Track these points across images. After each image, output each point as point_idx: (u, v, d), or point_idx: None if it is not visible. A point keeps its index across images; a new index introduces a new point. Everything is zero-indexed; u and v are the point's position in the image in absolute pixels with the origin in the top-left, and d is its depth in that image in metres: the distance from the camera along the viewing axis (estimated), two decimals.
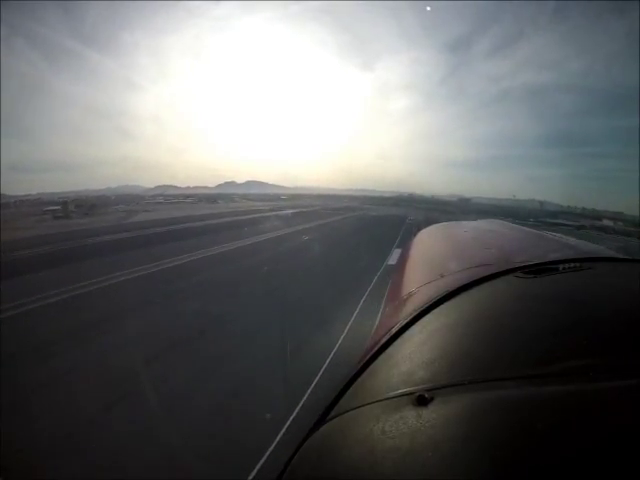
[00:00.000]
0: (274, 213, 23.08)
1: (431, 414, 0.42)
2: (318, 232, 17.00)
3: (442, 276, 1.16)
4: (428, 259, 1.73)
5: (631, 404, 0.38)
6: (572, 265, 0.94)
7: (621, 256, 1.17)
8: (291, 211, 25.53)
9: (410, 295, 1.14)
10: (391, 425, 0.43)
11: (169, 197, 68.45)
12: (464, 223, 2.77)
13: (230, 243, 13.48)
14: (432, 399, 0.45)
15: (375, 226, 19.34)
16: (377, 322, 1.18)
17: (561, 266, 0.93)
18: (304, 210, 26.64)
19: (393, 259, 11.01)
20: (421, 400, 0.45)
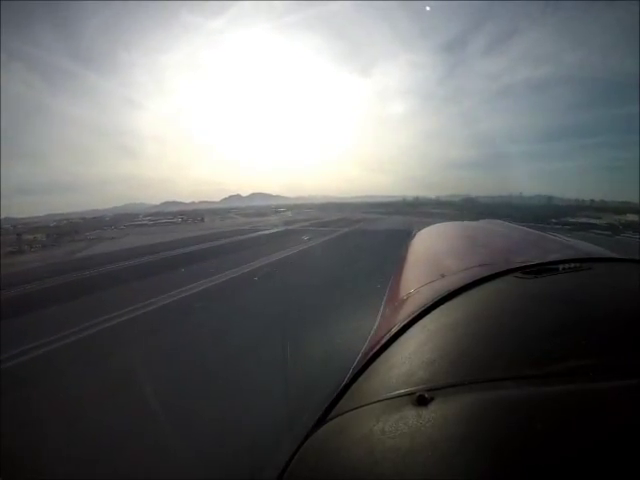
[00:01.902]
0: (254, 235, 19.86)
1: (431, 414, 0.42)
2: (282, 271, 10.37)
3: (442, 276, 1.16)
4: (428, 259, 1.73)
5: (631, 404, 0.38)
6: (572, 265, 0.94)
7: (621, 256, 1.16)
8: (278, 229, 22.46)
9: (410, 295, 1.15)
10: (391, 425, 0.43)
11: (160, 215, 65.51)
12: (464, 223, 2.75)
13: (114, 314, 6.25)
14: (432, 399, 0.45)
15: (369, 252, 12.47)
16: (377, 322, 1.17)
17: (561, 266, 0.93)
18: (294, 228, 23.31)
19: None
20: (421, 400, 0.45)
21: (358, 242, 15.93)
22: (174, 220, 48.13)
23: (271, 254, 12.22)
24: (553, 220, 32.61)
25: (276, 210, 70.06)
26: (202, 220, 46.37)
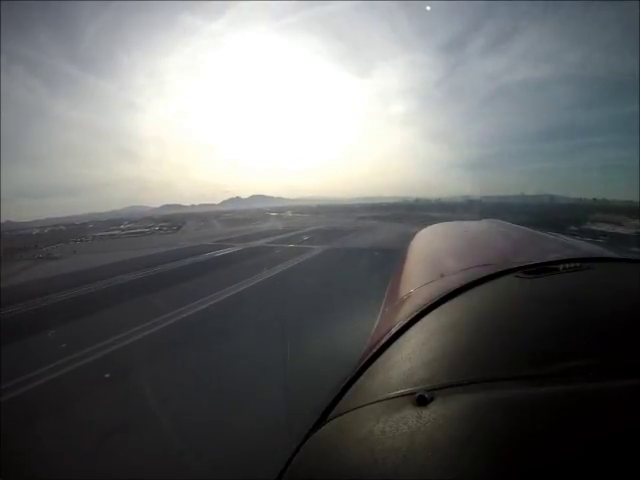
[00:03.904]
0: (206, 257, 16.52)
1: (431, 414, 0.42)
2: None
3: (442, 276, 1.17)
4: (428, 259, 1.72)
5: (631, 404, 0.38)
6: (572, 265, 0.94)
7: (621, 256, 1.16)
8: (245, 245, 19.59)
9: (410, 295, 1.14)
10: (391, 425, 0.43)
11: (139, 222, 61.78)
12: (464, 223, 2.75)
13: None
14: (432, 399, 0.45)
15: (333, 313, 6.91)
16: (376, 322, 1.16)
17: (561, 266, 0.93)
18: (263, 244, 20.07)
19: None
20: (421, 400, 0.45)
21: (321, 279, 11.01)
22: (147, 230, 44.31)
23: (178, 308, 8.20)
24: (573, 227, 27.82)
25: (267, 215, 66.30)
26: (178, 229, 42.61)
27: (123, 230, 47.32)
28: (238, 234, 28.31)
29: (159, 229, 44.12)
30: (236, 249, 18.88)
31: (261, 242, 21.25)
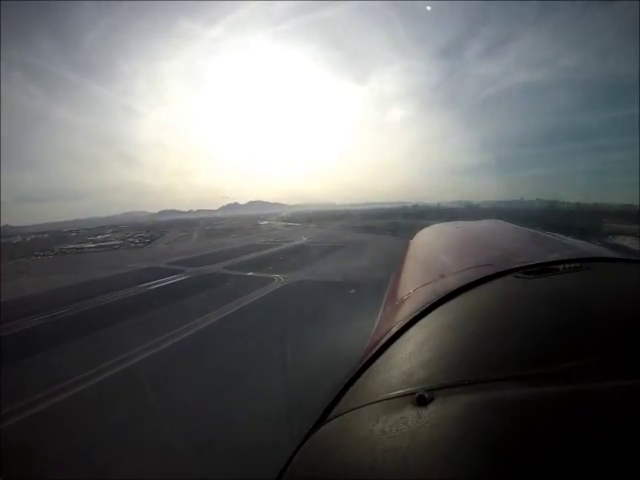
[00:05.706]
0: (146, 289, 14.07)
1: (431, 414, 0.42)
2: None
3: (442, 276, 1.16)
4: (428, 259, 1.70)
5: (631, 404, 0.38)
6: (572, 265, 0.93)
7: (621, 256, 1.16)
8: (195, 272, 17.16)
9: (410, 295, 1.13)
10: (391, 425, 0.43)
11: (124, 231, 58.64)
12: (464, 223, 2.69)
13: None
14: (432, 399, 0.45)
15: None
16: (377, 322, 1.15)
17: (561, 266, 0.93)
18: (213, 272, 17.34)
19: None
20: (421, 400, 0.45)
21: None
22: (120, 242, 41.18)
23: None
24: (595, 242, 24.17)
25: (255, 224, 63.32)
26: (151, 241, 39.54)
27: (96, 242, 44.19)
28: (205, 251, 25.47)
29: (132, 241, 41.23)
30: (182, 278, 15.68)
31: (219, 266, 18.09)
